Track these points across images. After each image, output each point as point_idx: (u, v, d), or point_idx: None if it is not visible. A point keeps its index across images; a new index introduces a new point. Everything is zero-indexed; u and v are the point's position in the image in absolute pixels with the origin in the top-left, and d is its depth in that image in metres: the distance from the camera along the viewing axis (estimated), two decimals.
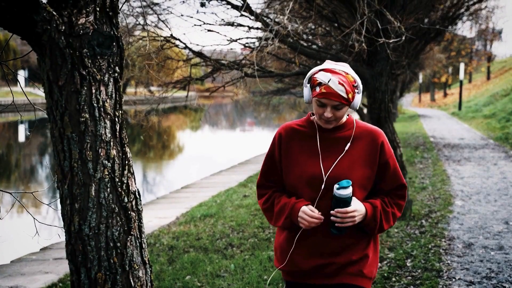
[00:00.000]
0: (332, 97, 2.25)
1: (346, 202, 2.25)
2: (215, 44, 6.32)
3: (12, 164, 17.10)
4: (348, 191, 2.23)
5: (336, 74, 2.27)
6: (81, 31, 1.83)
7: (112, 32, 1.90)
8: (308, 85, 2.36)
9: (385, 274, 4.85)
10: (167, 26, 6.26)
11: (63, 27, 1.80)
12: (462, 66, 31.39)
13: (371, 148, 2.39)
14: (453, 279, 4.67)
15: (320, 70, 2.30)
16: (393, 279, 4.75)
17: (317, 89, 2.27)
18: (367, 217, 2.32)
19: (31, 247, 7.15)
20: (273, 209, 2.42)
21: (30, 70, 40.05)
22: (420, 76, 38.53)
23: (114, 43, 1.91)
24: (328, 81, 2.24)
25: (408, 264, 5.12)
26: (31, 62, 38.61)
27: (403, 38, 5.86)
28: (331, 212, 2.26)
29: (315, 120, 2.43)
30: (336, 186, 2.25)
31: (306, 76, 2.37)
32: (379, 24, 5.58)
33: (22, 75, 24.03)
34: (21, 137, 23.06)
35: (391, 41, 5.68)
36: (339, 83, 2.25)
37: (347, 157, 2.36)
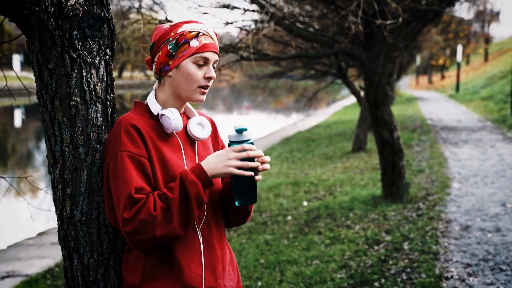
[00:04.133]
0: (216, 49, 1.77)
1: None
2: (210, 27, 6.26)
3: (8, 149, 17.05)
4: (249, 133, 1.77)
5: (201, 23, 1.79)
6: (71, 13, 1.79)
7: (102, 14, 1.86)
8: (171, 44, 1.76)
9: (382, 257, 4.86)
10: (162, 9, 6.19)
11: (52, 9, 1.76)
12: (459, 48, 31.26)
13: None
14: (450, 262, 4.68)
15: (175, 25, 1.77)
16: (390, 262, 4.75)
17: (195, 43, 1.75)
18: None
19: (27, 232, 7.16)
20: (169, 208, 1.66)
21: (25, 55, 39.76)
22: (418, 59, 38.41)
23: (105, 25, 1.88)
24: (207, 28, 1.78)
25: (405, 247, 5.12)
26: (26, 47, 38.33)
27: (400, 19, 5.80)
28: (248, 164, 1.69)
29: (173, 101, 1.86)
30: (235, 131, 1.73)
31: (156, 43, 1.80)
32: (375, 6, 5.52)
33: (17, 59, 23.85)
34: (17, 122, 22.99)
35: (388, 22, 5.63)
36: (214, 32, 1.82)
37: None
